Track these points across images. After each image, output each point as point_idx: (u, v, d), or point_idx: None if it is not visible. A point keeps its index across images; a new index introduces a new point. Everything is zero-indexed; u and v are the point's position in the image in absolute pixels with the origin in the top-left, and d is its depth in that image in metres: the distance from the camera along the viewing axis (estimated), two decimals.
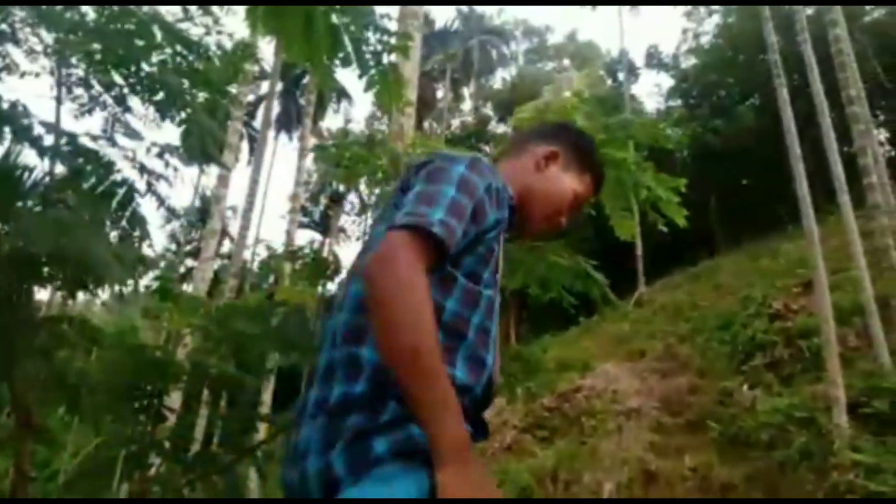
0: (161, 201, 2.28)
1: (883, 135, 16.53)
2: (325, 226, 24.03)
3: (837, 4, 7.24)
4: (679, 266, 12.79)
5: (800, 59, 8.59)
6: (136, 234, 2.41)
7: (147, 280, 3.37)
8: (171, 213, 3.00)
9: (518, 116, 2.55)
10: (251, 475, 6.34)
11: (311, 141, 14.87)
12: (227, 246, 19.45)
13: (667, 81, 21.37)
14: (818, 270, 6.25)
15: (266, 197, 24.87)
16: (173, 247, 23.26)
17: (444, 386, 0.89)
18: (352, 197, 23.77)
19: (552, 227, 1.31)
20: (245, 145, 21.20)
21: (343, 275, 2.94)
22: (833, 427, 5.32)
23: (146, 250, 2.71)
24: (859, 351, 6.71)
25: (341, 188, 23.15)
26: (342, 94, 21.41)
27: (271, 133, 20.99)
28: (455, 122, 25.51)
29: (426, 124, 23.22)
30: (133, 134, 2.27)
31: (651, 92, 20.68)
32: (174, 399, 3.85)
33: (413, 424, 0.91)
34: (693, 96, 17.89)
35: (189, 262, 20.46)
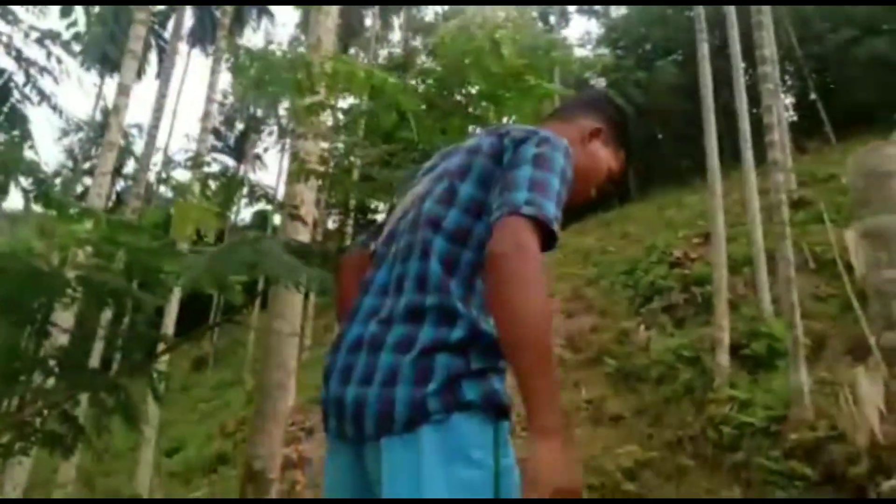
0: (44, 97, 2.05)
1: (788, 100, 17.51)
2: (240, 152, 22.98)
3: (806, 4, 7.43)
4: (592, 212, 13.25)
5: (723, 19, 8.85)
6: (16, 133, 2.18)
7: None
8: (62, 118, 2.73)
9: (442, 34, 2.47)
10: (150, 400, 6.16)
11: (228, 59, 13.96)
12: (132, 167, 18.26)
13: (596, 30, 21.48)
14: (717, 222, 6.64)
15: (176, 117, 23.33)
16: (70, 163, 21.60)
17: (556, 375, 1.00)
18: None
19: (582, 199, 1.38)
20: (154, 58, 19.66)
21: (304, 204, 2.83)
22: (715, 366, 5.77)
23: (30, 155, 2.46)
24: (745, 298, 7.27)
25: (259, 113, 22.09)
26: (263, 11, 20.12)
27: (184, 47, 19.54)
28: (383, 53, 24.67)
29: (352, 51, 22.32)
30: (7, 15, 2.00)
31: (581, 39, 20.68)
32: (66, 319, 3.63)
33: (494, 378, 1.07)
34: (620, 47, 18.11)
35: (88, 181, 19.11)
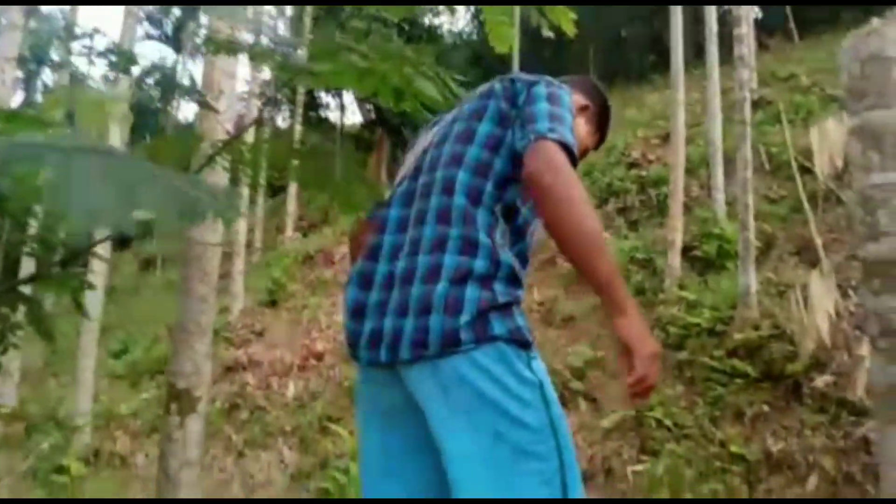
0: None
1: None
2: (178, 40, 21.31)
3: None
4: None
5: None
6: None
7: None
8: None
9: None
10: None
11: None
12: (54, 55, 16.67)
13: None
14: (677, 122, 6.44)
15: None
16: None
17: (614, 264, 1.17)
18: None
19: None
20: None
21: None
22: (666, 268, 5.79)
23: None
24: (700, 200, 7.24)
25: None
26: None
27: None
28: None
29: None
30: None
31: None
32: None
33: (517, 312, 1.20)
34: None
35: None
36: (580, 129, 1.46)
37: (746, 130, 5.24)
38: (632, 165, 8.17)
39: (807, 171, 6.87)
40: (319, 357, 6.36)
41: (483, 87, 1.41)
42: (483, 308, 1.14)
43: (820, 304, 2.82)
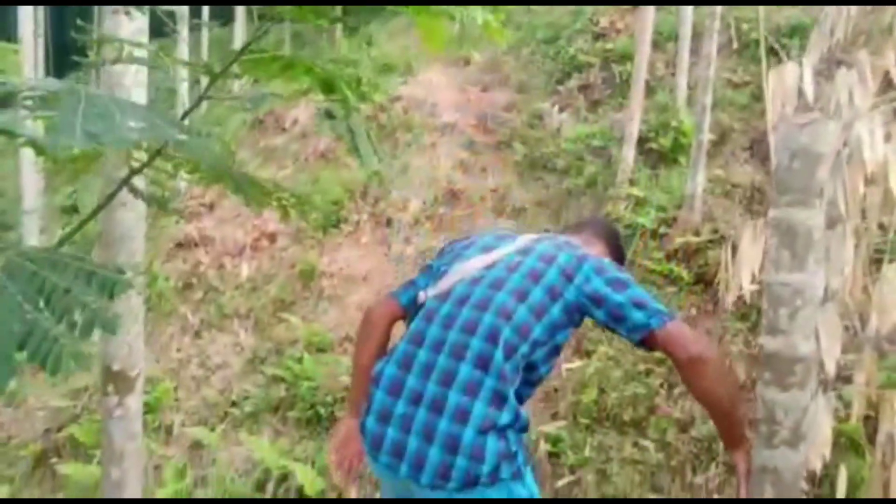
0: None
1: None
2: None
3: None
4: None
5: None
6: None
7: None
8: None
9: None
10: None
11: None
12: None
13: None
14: None
15: None
16: None
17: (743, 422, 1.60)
18: None
19: None
20: None
21: None
22: (620, 160, 5.78)
23: None
24: (664, 80, 7.04)
25: None
26: None
27: None
28: None
29: None
30: None
31: None
32: None
33: (520, 455, 1.52)
34: None
35: None
36: None
37: None
38: (598, 36, 7.77)
39: (775, 53, 6.68)
40: (272, 238, 6.36)
41: (546, 246, 1.64)
42: (500, 458, 1.42)
43: (747, 260, 2.91)
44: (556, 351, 1.61)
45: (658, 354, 4.43)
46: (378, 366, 1.56)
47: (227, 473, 4.10)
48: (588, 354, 4.57)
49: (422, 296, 1.63)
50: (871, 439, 3.60)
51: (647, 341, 1.52)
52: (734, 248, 3.92)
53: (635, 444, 3.97)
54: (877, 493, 2.22)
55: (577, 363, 4.53)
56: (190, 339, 5.63)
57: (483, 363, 1.45)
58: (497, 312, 1.48)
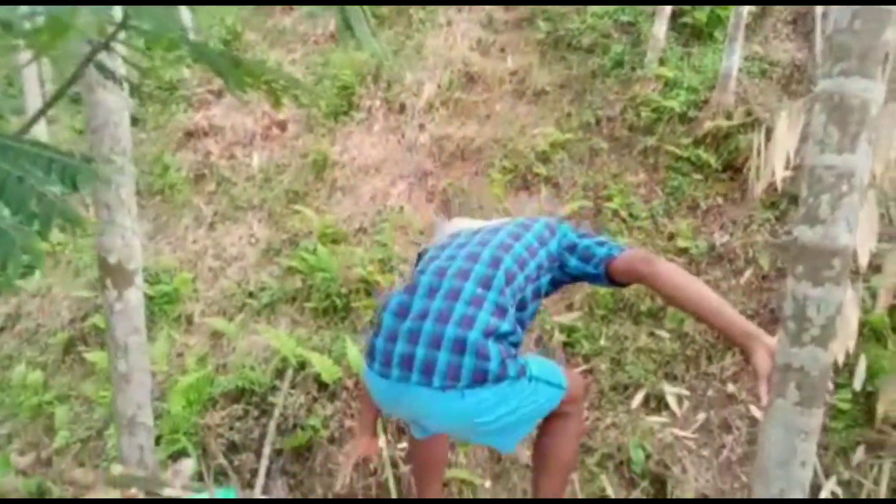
0: None
1: None
2: None
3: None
4: None
5: None
6: None
7: None
8: None
9: None
10: None
11: None
12: None
13: None
14: None
15: None
16: None
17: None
18: None
19: None
20: None
21: None
22: (651, 37, 5.33)
23: None
24: None
25: None
26: None
27: None
28: None
29: None
30: None
31: None
32: None
33: (519, 355, 1.65)
34: None
35: None
36: None
37: None
38: None
39: None
40: (282, 126, 6.15)
41: (520, 220, 1.90)
42: (504, 357, 1.55)
43: (781, 145, 2.67)
44: (539, 292, 1.79)
45: (682, 241, 4.30)
46: (387, 295, 1.80)
47: (245, 361, 4.20)
48: None
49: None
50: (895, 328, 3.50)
51: (612, 271, 1.71)
52: (769, 133, 3.66)
53: (651, 334, 3.93)
54: None
55: None
56: (205, 230, 5.62)
57: (486, 282, 1.62)
58: (496, 246, 1.71)
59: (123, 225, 1.88)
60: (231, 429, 3.96)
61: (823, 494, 2.93)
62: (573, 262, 1.78)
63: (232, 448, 3.90)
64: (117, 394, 2.22)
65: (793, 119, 2.53)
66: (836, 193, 1.20)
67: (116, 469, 2.44)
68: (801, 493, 1.33)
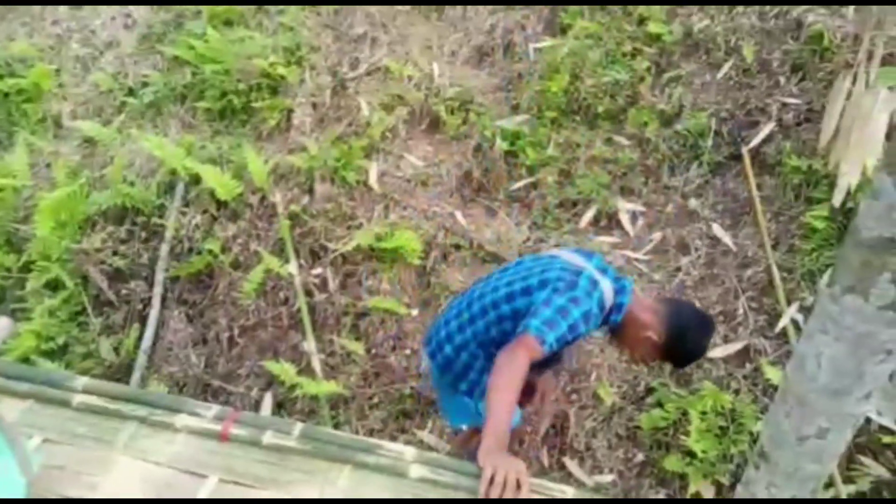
0: None
1: None
2: None
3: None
4: None
5: None
6: None
7: None
8: None
9: None
10: None
11: None
12: None
13: None
14: None
15: None
16: None
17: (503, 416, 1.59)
18: None
19: None
20: None
21: None
22: None
23: None
24: None
25: None
26: None
27: None
28: None
29: None
30: None
31: None
32: None
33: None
34: None
35: None
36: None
37: None
38: None
39: None
40: None
41: (543, 260, 1.93)
42: (472, 384, 1.97)
43: (878, 125, 1.92)
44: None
45: (653, 26, 3.55)
46: None
47: (127, 175, 3.47)
48: (563, 31, 3.65)
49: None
50: None
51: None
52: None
53: (608, 141, 3.36)
54: None
55: (548, 41, 3.64)
56: (67, 8, 4.46)
57: (476, 333, 1.90)
58: (491, 303, 1.87)
59: None
60: (115, 254, 3.38)
61: (784, 322, 2.63)
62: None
63: (117, 276, 3.35)
64: None
65: None
66: None
67: None
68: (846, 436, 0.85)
